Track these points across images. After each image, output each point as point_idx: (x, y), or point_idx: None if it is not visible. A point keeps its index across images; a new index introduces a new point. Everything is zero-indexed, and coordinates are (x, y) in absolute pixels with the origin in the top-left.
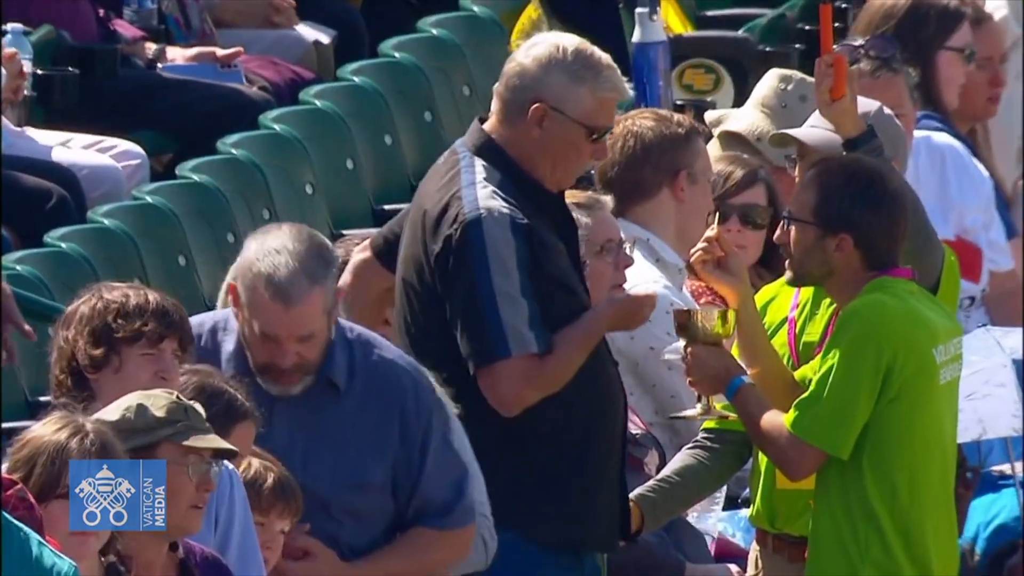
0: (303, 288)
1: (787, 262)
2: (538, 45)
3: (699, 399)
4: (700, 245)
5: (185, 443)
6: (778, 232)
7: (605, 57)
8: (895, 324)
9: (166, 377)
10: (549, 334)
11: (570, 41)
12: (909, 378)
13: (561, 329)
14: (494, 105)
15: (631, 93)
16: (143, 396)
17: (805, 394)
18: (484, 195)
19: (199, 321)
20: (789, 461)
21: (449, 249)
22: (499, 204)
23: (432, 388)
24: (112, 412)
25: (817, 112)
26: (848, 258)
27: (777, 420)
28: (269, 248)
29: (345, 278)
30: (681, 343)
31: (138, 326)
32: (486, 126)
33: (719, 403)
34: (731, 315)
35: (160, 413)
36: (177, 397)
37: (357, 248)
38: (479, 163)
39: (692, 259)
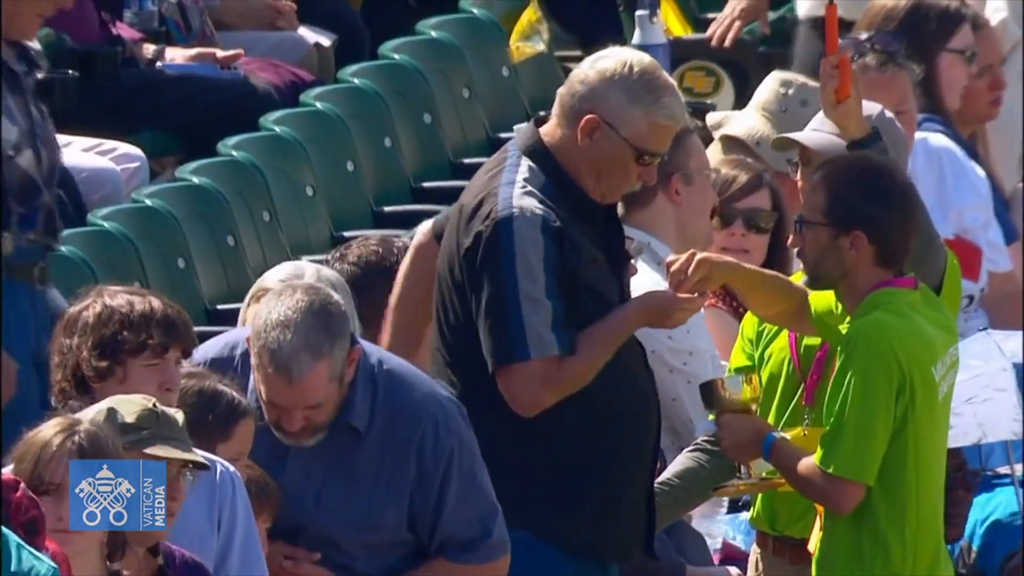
0: (305, 365)
1: (803, 266)
2: (607, 58)
3: (738, 468)
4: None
5: (146, 451)
6: (792, 238)
7: (670, 83)
8: (900, 345)
9: (171, 388)
10: (572, 335)
11: (639, 60)
12: (914, 397)
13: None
14: (555, 107)
15: (689, 120)
16: (118, 401)
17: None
18: (519, 194)
19: (234, 341)
20: (832, 500)
21: (478, 245)
22: (533, 204)
23: (458, 427)
24: (86, 414)
25: (819, 115)
26: (863, 256)
27: (811, 463)
28: (276, 320)
29: (404, 262)
30: (711, 418)
31: (143, 338)
32: (542, 128)
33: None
34: (755, 378)
35: (129, 419)
36: (154, 405)
37: (419, 228)
38: (525, 163)
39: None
